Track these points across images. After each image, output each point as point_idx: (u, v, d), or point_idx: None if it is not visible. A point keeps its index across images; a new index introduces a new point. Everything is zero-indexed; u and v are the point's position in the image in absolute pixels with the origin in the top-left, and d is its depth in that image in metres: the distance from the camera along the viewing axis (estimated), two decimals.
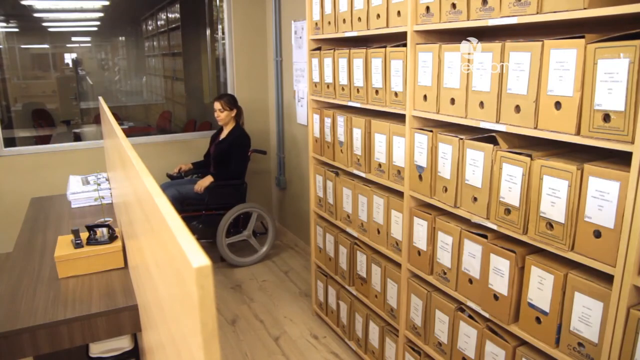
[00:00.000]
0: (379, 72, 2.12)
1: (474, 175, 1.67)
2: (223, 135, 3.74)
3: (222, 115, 3.64)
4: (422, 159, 1.92)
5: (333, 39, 2.54)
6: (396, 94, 2.04)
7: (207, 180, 3.56)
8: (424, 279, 2.03)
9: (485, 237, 1.68)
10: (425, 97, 1.88)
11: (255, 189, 4.57)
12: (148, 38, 6.33)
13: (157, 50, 6.33)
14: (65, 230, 2.25)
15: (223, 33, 4.42)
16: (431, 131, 1.86)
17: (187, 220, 3.65)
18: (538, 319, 1.51)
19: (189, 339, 0.51)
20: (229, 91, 4.41)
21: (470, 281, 1.76)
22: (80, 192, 2.70)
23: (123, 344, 1.75)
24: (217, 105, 3.64)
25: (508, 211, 1.56)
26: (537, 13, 1.39)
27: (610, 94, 1.22)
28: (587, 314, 1.36)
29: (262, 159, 4.61)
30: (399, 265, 2.17)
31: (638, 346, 1.24)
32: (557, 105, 1.36)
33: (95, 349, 1.73)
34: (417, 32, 1.88)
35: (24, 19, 5.12)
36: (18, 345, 1.48)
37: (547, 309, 1.47)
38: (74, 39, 5.81)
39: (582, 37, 1.27)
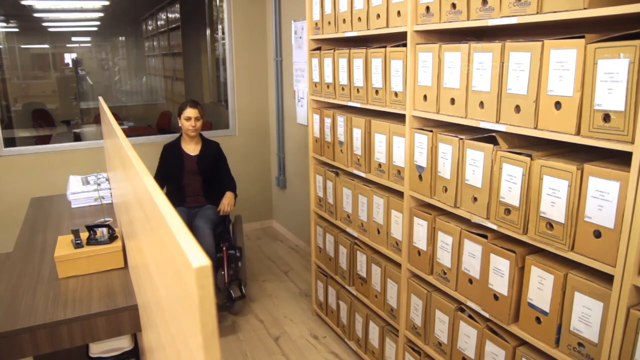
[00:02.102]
0: (379, 72, 2.12)
1: (474, 175, 1.67)
2: (196, 149, 3.20)
3: (198, 124, 3.11)
4: (422, 159, 1.92)
5: (333, 39, 2.54)
6: (396, 94, 2.04)
7: (232, 197, 3.15)
8: (424, 279, 2.03)
9: (485, 237, 1.68)
10: (425, 97, 1.88)
11: (254, 189, 4.58)
12: (148, 38, 6.33)
13: (157, 50, 6.32)
14: (65, 230, 2.25)
15: (223, 33, 4.42)
16: (431, 131, 1.86)
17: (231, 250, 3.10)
18: (538, 319, 1.51)
19: (189, 339, 0.51)
20: (229, 91, 4.41)
21: (470, 281, 1.76)
22: (80, 192, 2.70)
23: (123, 344, 1.75)
24: (194, 113, 3.08)
25: (508, 211, 1.56)
26: (537, 13, 1.39)
27: (610, 94, 1.22)
28: (587, 314, 1.36)
29: (262, 159, 4.61)
30: (399, 265, 2.17)
31: (638, 346, 1.24)
32: (557, 105, 1.36)
33: (95, 349, 1.73)
34: (417, 32, 1.88)
35: (24, 19, 5.12)
36: (18, 345, 1.48)
37: (547, 309, 1.47)
38: (74, 39, 5.81)
39: (582, 37, 1.27)
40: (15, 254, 2.05)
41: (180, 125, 3.15)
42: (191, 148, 3.20)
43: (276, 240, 4.41)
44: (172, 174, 3.20)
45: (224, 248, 3.01)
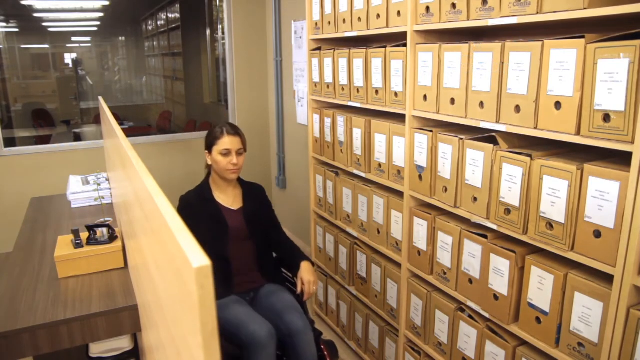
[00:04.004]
0: (379, 72, 2.12)
1: (474, 175, 1.67)
2: (237, 199, 2.17)
3: (241, 161, 2.08)
4: (422, 159, 1.92)
5: (333, 39, 2.54)
6: (396, 94, 2.04)
7: (313, 270, 2.12)
8: (424, 279, 2.03)
9: (485, 237, 1.68)
10: (425, 97, 1.88)
11: None
12: (148, 38, 6.33)
13: (157, 50, 6.33)
14: (65, 230, 2.25)
15: (223, 33, 4.42)
16: (431, 131, 1.86)
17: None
18: (538, 319, 1.51)
19: (189, 339, 0.51)
20: (229, 91, 4.41)
21: (470, 281, 1.76)
22: (80, 192, 2.70)
23: (123, 344, 1.75)
24: (236, 143, 2.05)
25: (508, 211, 1.56)
26: (537, 13, 1.39)
27: (610, 94, 1.22)
28: (587, 314, 1.36)
29: (262, 159, 4.61)
30: (399, 265, 2.17)
31: (638, 346, 1.24)
32: (557, 105, 1.36)
33: (95, 349, 1.73)
34: (417, 32, 1.88)
35: (24, 19, 5.12)
36: (18, 345, 1.48)
37: (547, 309, 1.47)
38: (74, 39, 5.81)
39: (582, 37, 1.28)
40: (15, 254, 2.05)
41: (209, 163, 2.11)
42: (229, 198, 2.14)
43: None
44: (207, 243, 1.81)
45: (323, 347, 2.09)
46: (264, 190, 2.29)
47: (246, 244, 2.13)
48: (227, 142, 2.03)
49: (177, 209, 1.98)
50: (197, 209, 2.09)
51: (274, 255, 2.28)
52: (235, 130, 2.08)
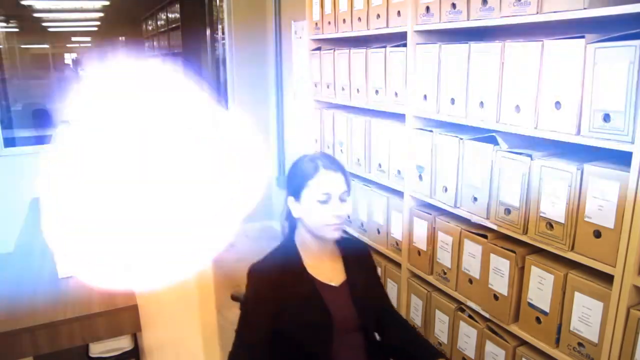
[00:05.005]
0: (379, 72, 2.11)
1: (474, 175, 1.67)
2: (337, 268, 1.42)
3: (346, 210, 1.35)
4: (422, 159, 1.92)
5: (333, 39, 2.53)
6: (396, 94, 2.04)
7: None
8: (424, 279, 2.03)
9: (485, 237, 1.68)
10: (425, 97, 1.88)
11: None
12: (148, 38, 6.33)
13: (157, 50, 6.33)
14: None
15: (223, 33, 4.43)
16: (431, 131, 1.85)
17: None
18: (538, 319, 1.51)
19: (189, 339, 0.51)
20: (229, 91, 4.40)
21: (470, 281, 1.76)
22: None
23: (123, 344, 1.75)
24: (339, 184, 1.33)
25: (508, 211, 1.56)
26: (537, 13, 1.39)
27: (610, 94, 1.22)
28: (587, 314, 1.36)
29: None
30: (399, 265, 2.17)
31: (638, 346, 1.24)
32: (557, 105, 1.36)
33: (95, 349, 1.73)
34: (417, 32, 1.88)
35: (24, 19, 5.12)
36: (18, 345, 1.48)
37: (547, 309, 1.47)
38: (74, 39, 5.81)
39: (582, 37, 1.27)
40: (15, 254, 2.05)
41: (297, 215, 1.38)
42: (327, 270, 1.41)
43: (276, 240, 4.40)
44: (300, 340, 1.34)
45: None
46: (368, 251, 1.55)
47: (354, 336, 1.39)
48: (325, 182, 1.31)
49: (250, 290, 1.43)
50: (283, 290, 1.35)
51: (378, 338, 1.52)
52: (335, 165, 1.35)
